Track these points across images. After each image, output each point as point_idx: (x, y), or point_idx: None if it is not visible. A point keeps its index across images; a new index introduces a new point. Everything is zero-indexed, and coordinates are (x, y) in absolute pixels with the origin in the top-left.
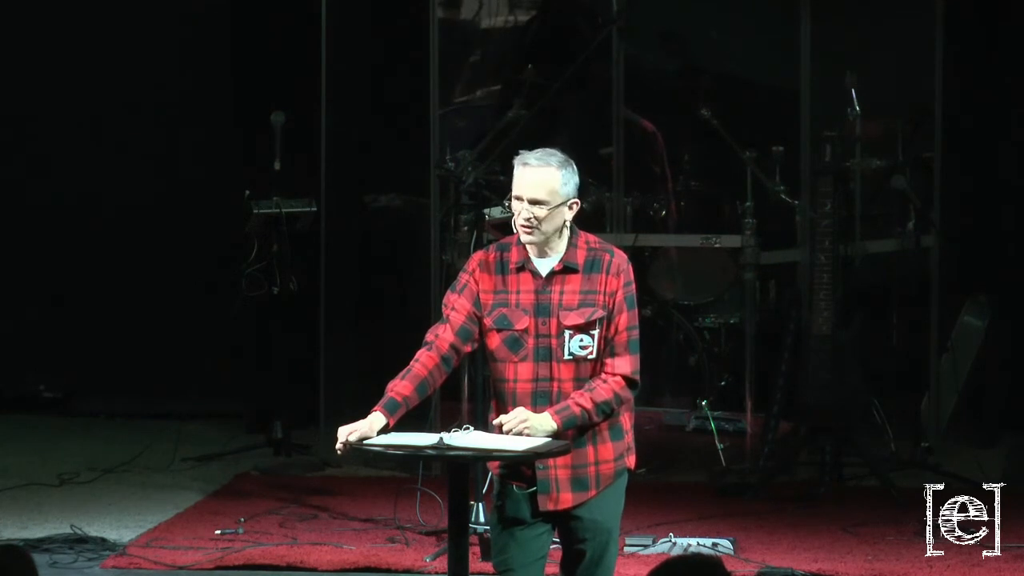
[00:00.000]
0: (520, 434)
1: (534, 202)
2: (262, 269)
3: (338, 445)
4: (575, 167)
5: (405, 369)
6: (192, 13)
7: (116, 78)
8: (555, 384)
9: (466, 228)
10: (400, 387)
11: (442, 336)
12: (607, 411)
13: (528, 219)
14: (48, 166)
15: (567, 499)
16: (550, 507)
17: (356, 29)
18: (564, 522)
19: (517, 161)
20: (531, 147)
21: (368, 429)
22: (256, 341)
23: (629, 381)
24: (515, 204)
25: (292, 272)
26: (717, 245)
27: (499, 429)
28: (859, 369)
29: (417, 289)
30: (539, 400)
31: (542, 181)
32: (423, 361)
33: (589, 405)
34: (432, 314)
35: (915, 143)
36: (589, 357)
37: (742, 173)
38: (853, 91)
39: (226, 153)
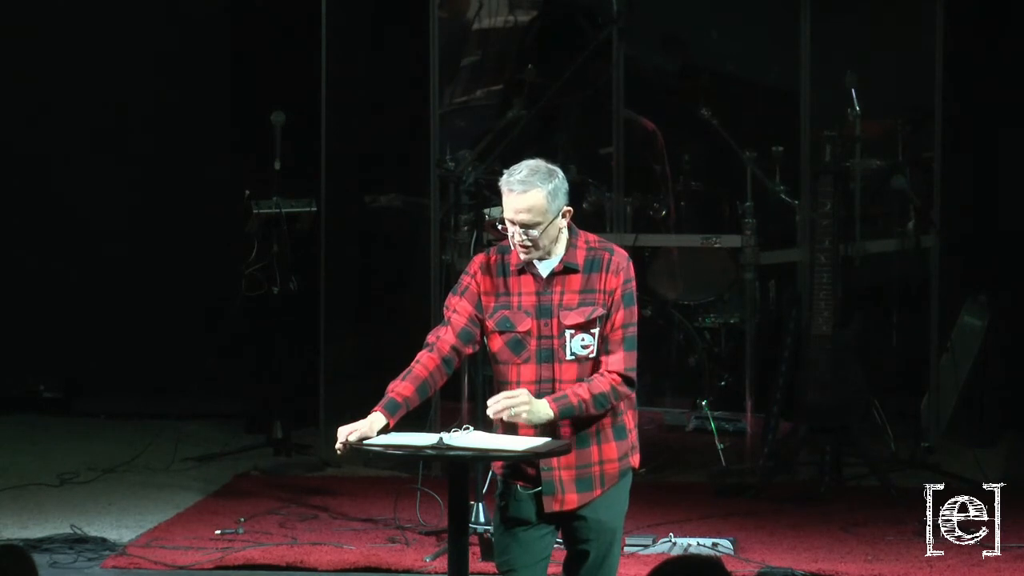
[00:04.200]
0: (519, 415)
1: (526, 225)
2: (262, 269)
3: (338, 445)
4: (562, 174)
5: (406, 370)
6: (192, 12)
7: (116, 78)
8: (558, 385)
9: (466, 228)
10: (401, 388)
11: (443, 338)
12: (604, 403)
13: (523, 241)
14: (47, 167)
15: (572, 500)
16: (556, 508)
17: (356, 29)
18: (568, 522)
19: (503, 184)
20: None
21: (368, 429)
22: (256, 341)
23: (625, 378)
24: (509, 226)
25: (292, 272)
26: (717, 245)
27: (498, 409)
28: (859, 369)
29: (417, 289)
30: None
31: (529, 206)
32: (424, 362)
33: (587, 396)
34: (432, 314)
35: (915, 143)
36: (591, 356)
37: (742, 173)
38: (853, 91)
39: (226, 154)
